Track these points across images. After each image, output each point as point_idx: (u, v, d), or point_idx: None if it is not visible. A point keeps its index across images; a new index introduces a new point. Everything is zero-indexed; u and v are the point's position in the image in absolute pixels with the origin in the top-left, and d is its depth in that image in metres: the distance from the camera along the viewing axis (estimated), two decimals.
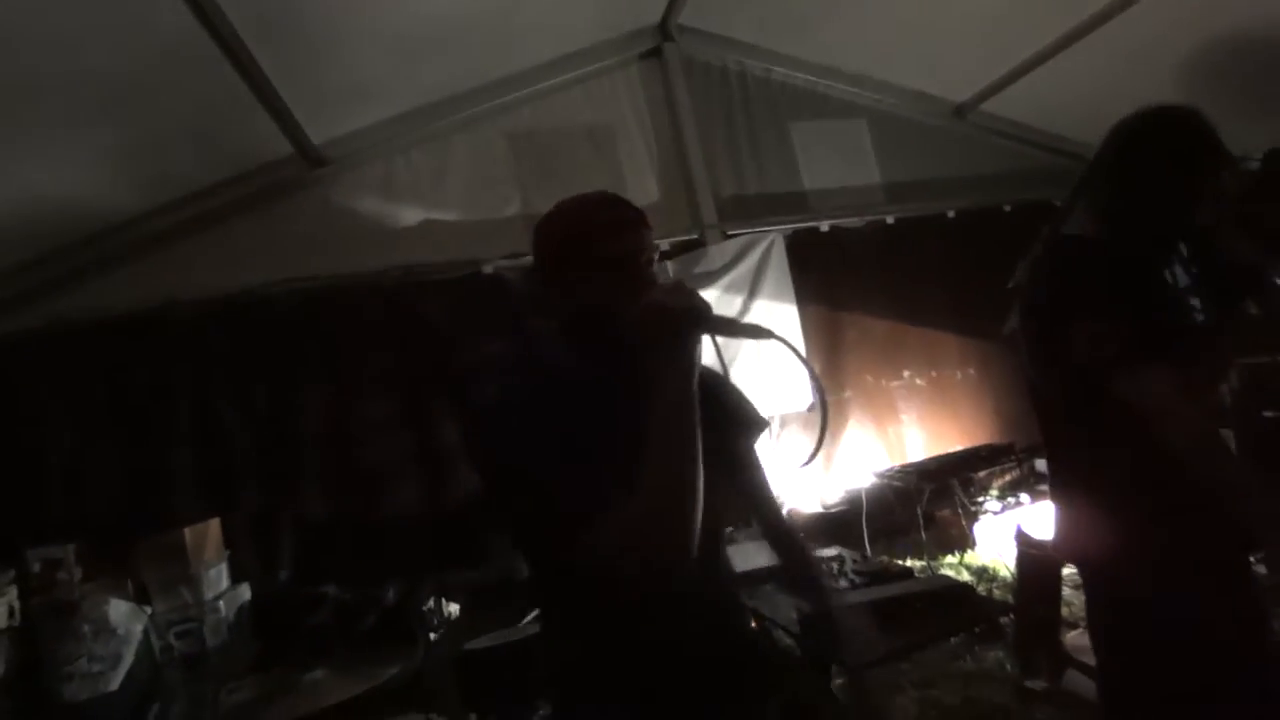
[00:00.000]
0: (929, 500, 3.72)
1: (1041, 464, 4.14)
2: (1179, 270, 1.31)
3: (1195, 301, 1.29)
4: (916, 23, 3.56)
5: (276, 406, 3.17)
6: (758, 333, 0.90)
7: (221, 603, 2.87)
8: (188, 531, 2.83)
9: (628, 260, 0.94)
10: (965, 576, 3.42)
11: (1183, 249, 1.31)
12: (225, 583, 2.99)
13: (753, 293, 3.89)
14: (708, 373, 1.05)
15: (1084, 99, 3.91)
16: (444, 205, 3.47)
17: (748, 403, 1.16)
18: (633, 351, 0.88)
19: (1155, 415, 1.18)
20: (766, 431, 1.15)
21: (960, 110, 4.24)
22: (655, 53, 3.81)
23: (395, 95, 3.26)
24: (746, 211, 3.86)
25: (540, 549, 0.96)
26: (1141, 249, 1.29)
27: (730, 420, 1.11)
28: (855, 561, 2.02)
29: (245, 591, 3.04)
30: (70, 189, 2.68)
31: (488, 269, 3.46)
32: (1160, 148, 1.30)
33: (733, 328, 0.94)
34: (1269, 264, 1.29)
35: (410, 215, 3.43)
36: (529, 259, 3.70)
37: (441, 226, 3.46)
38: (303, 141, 3.07)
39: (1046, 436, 1.44)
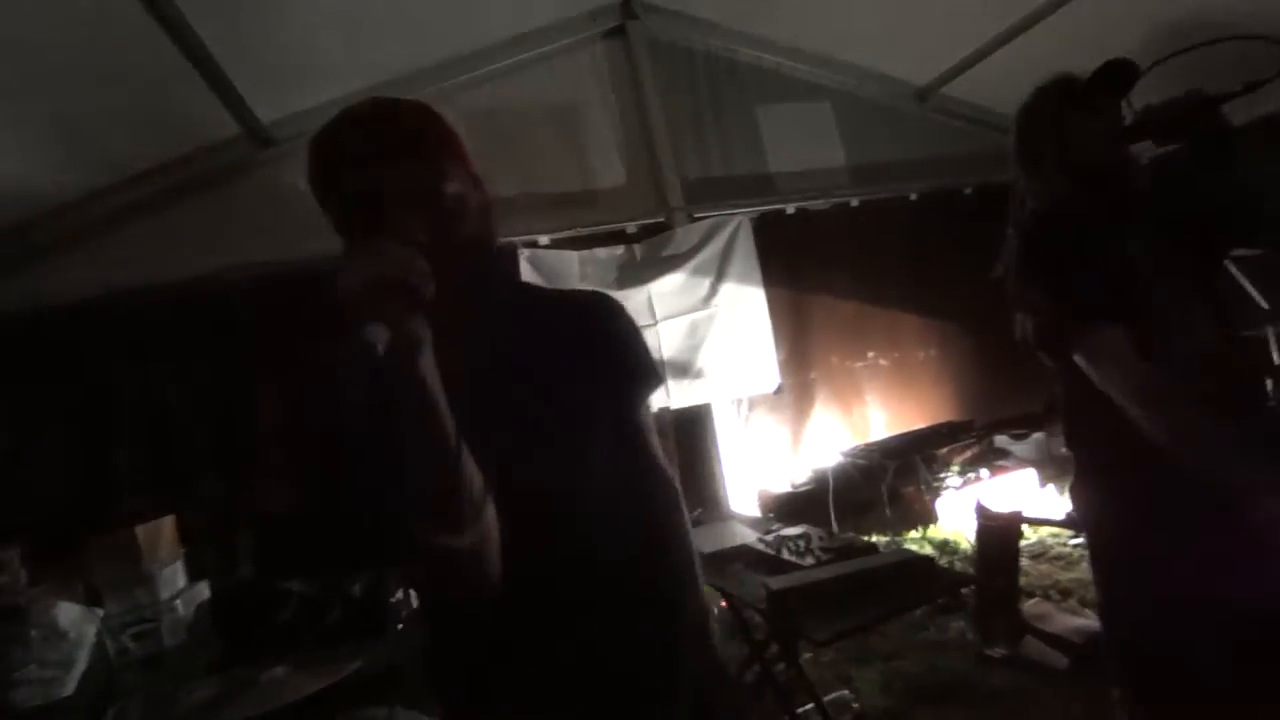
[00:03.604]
0: (893, 477, 3.81)
1: (1000, 440, 4.28)
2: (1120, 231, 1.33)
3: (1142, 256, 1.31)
4: (878, 3, 3.57)
5: (230, 398, 3.06)
6: None
7: (179, 602, 2.79)
8: (140, 530, 2.73)
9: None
10: (928, 550, 3.52)
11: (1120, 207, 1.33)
12: (182, 581, 2.90)
13: (720, 275, 3.89)
14: (576, 307, 0.89)
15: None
16: None
17: (631, 349, 0.88)
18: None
19: (1099, 377, 1.22)
20: (653, 387, 0.87)
21: (922, 93, 4.28)
22: (619, 31, 3.74)
23: (348, 72, 3.12)
24: (713, 194, 3.85)
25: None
26: (1083, 214, 1.33)
27: (604, 368, 0.85)
28: (821, 538, 2.05)
29: (204, 589, 2.95)
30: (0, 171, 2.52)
31: None
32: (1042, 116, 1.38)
33: None
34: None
35: None
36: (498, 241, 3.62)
37: None
38: (250, 120, 2.94)
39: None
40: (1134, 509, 1.32)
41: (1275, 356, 3.29)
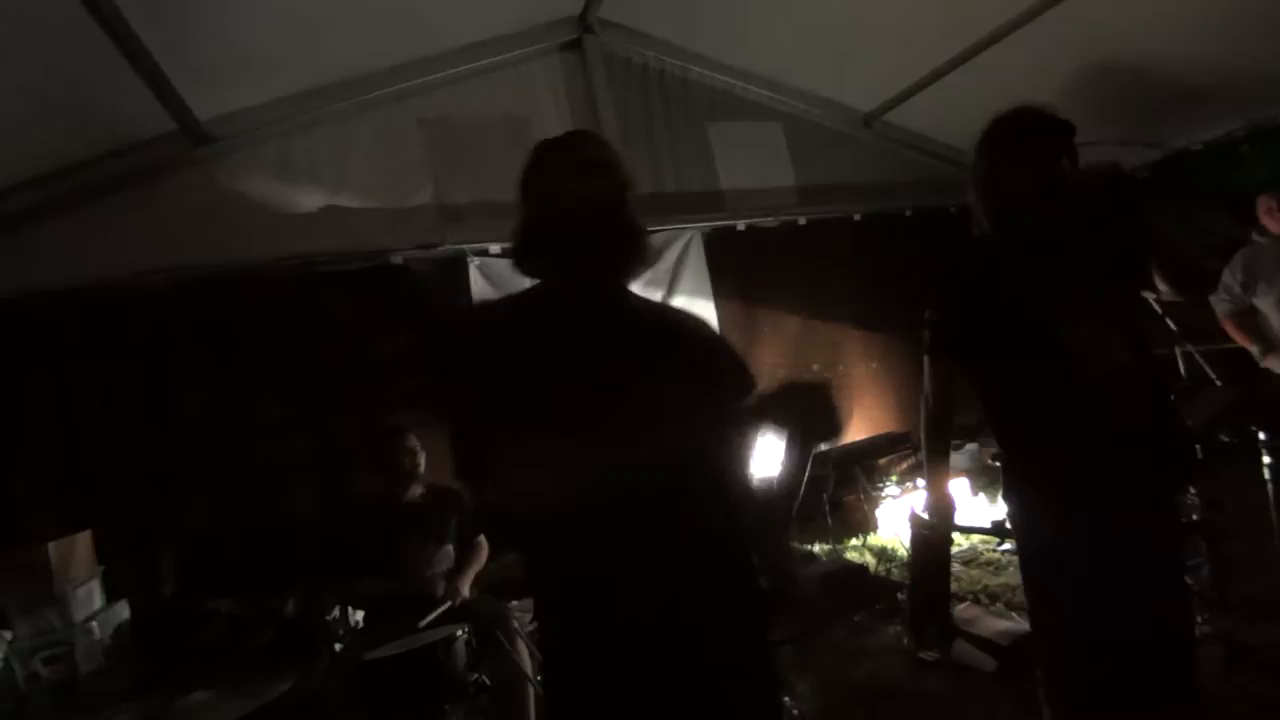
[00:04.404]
0: (835, 486, 3.92)
1: None
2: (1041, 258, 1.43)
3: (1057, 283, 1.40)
4: (828, 32, 3.71)
5: (154, 407, 2.91)
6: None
7: (95, 623, 2.62)
8: (52, 546, 2.56)
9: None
10: (868, 557, 3.63)
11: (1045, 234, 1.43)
12: (99, 601, 2.72)
13: (672, 289, 3.95)
14: (689, 318, 1.13)
15: (977, 113, 4.22)
16: (348, 191, 3.29)
17: (728, 357, 1.11)
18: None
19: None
20: (745, 393, 1.07)
21: (867, 119, 4.47)
22: (575, 45, 3.76)
23: (293, 71, 3.04)
24: (665, 208, 3.91)
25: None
26: (1001, 241, 1.44)
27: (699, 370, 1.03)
28: None
29: (123, 610, 2.78)
30: None
31: (397, 259, 3.31)
32: (991, 147, 1.47)
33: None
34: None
35: (309, 200, 3.22)
36: (443, 249, 3.59)
37: (345, 214, 3.27)
38: (185, 117, 2.81)
39: None
40: (1051, 513, 1.42)
41: (1182, 373, 3.55)
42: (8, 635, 2.45)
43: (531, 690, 2.09)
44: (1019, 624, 2.60)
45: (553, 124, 3.74)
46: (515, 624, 2.24)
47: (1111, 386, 1.36)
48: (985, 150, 1.48)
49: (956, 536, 3.12)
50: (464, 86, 3.54)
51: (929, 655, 2.61)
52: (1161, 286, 1.44)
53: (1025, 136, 1.43)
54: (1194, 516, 2.39)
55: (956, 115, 4.27)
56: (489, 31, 3.49)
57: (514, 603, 2.40)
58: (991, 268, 1.42)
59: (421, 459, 2.59)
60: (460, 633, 1.92)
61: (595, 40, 3.76)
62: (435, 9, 3.13)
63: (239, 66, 2.85)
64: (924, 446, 1.57)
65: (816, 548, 3.70)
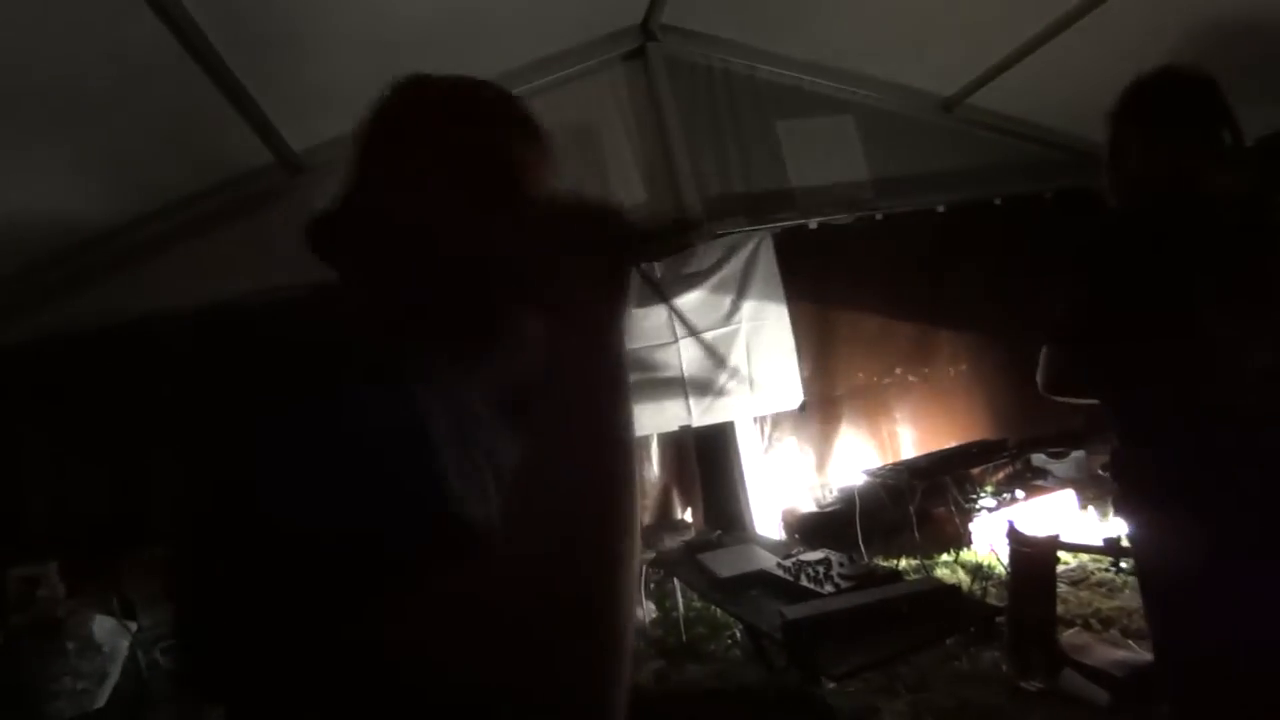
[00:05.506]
0: (922, 498, 3.68)
1: (1038, 459, 4.11)
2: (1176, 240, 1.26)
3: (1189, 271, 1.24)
4: (901, 16, 3.52)
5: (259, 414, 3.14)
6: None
7: None
8: None
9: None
10: (960, 575, 3.39)
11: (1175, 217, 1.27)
12: None
13: (742, 292, 3.86)
14: None
15: (1071, 90, 3.88)
16: None
17: None
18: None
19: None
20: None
21: (948, 104, 4.20)
22: (638, 53, 3.77)
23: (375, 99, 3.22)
24: (734, 210, 3.83)
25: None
26: (1134, 226, 1.30)
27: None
28: (842, 564, 1.98)
29: None
30: (42, 203, 2.65)
31: None
32: (1131, 117, 1.33)
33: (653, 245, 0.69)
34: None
35: None
36: None
37: None
38: (282, 149, 3.03)
39: None
40: (1197, 531, 1.25)
41: None
42: (134, 626, 2.71)
43: None
44: (1137, 653, 2.34)
45: (619, 133, 3.76)
46: None
47: (1260, 388, 1.20)
48: (1124, 121, 1.33)
49: (1064, 555, 2.85)
50: (532, 102, 3.61)
51: (1032, 685, 2.39)
52: None
53: (1172, 103, 1.28)
54: None
55: (1051, 93, 3.94)
56: (554, 47, 3.55)
57: None
58: (1138, 248, 1.26)
59: None
60: None
61: (658, 47, 3.75)
62: (501, 29, 3.22)
63: (326, 99, 3.02)
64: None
65: (903, 564, 3.50)
